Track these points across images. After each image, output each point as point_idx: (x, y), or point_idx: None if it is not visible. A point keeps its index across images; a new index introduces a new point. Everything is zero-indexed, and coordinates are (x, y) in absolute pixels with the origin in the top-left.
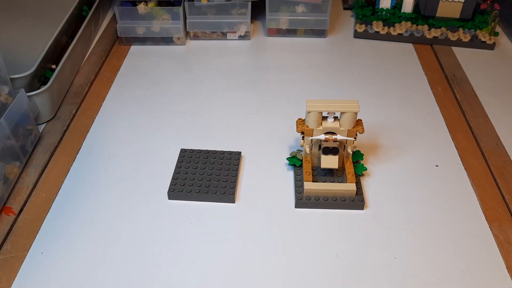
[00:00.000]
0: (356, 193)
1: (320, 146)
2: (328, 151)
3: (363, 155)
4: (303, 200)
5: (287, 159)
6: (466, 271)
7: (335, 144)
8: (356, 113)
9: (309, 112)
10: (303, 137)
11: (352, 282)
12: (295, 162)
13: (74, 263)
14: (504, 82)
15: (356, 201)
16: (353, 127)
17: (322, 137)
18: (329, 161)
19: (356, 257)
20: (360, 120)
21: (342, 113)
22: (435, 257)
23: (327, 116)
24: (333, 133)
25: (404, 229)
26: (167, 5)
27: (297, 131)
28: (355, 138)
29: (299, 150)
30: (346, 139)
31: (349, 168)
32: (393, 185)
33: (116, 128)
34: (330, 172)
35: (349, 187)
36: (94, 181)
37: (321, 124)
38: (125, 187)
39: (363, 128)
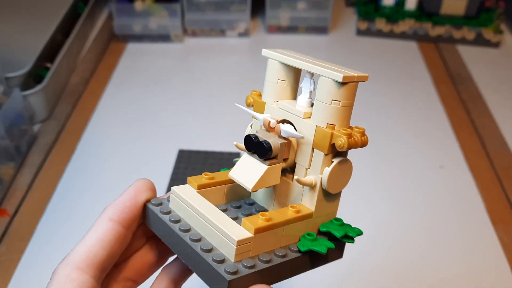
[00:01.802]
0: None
1: None
2: (248, 145)
3: (342, 226)
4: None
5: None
6: (470, 273)
7: (272, 139)
8: (340, 85)
9: (268, 62)
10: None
11: (352, 283)
12: None
13: None
14: (509, 81)
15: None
16: (333, 126)
17: (261, 117)
18: (244, 169)
19: (358, 257)
20: (361, 129)
21: (319, 81)
22: (439, 258)
23: (302, 90)
24: (288, 122)
25: (407, 230)
26: (164, 2)
27: (246, 103)
28: (327, 154)
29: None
30: (296, 141)
31: (288, 211)
32: (396, 186)
33: (112, 128)
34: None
35: (233, 232)
36: (90, 182)
37: (285, 99)
38: (121, 188)
39: (362, 139)
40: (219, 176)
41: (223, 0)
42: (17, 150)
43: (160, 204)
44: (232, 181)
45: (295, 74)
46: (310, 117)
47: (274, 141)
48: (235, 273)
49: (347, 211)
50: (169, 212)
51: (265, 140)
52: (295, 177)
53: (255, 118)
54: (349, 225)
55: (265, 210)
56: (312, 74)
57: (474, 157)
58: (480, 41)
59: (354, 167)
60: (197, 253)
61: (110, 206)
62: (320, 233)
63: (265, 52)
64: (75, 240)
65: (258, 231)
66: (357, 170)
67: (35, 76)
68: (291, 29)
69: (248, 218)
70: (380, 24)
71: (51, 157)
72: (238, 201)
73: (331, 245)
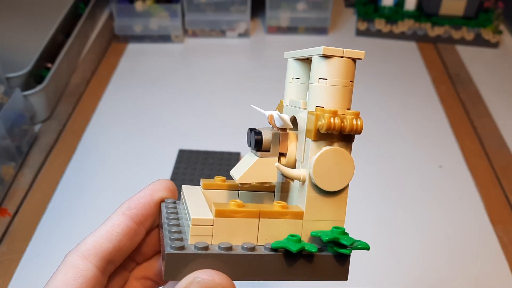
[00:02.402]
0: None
1: None
2: (248, 138)
3: (342, 234)
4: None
5: None
6: (469, 273)
7: (264, 129)
8: (322, 60)
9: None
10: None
11: (350, 282)
12: None
13: None
14: (509, 81)
15: None
16: (321, 109)
17: (266, 114)
18: (241, 164)
19: (356, 257)
20: (355, 112)
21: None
22: (438, 258)
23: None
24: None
25: (406, 230)
26: (165, 3)
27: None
28: (314, 140)
29: None
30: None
31: (273, 206)
32: (395, 186)
33: (113, 128)
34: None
35: (197, 214)
36: (90, 182)
37: (301, 97)
38: (122, 188)
39: (352, 123)
40: (233, 181)
41: (223, 1)
42: (18, 150)
43: (172, 203)
44: (247, 188)
45: (309, 70)
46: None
47: (266, 131)
48: (179, 248)
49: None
50: (173, 208)
51: (258, 130)
52: (276, 164)
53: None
54: (351, 238)
55: None
56: None
57: (473, 157)
58: (479, 41)
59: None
60: (165, 236)
61: (125, 202)
62: (313, 240)
63: (286, 54)
64: (76, 240)
65: (220, 214)
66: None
67: (35, 76)
68: (291, 29)
69: (219, 203)
70: (380, 24)
71: (51, 157)
72: None
73: (312, 248)
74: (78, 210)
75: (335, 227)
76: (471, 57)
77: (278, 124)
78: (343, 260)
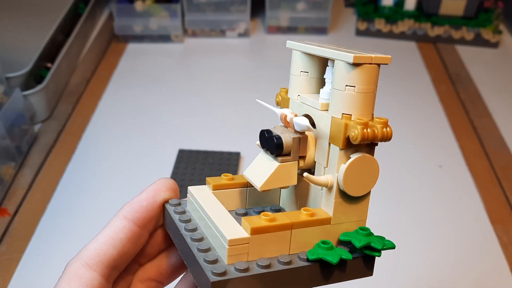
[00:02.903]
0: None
1: None
2: (262, 141)
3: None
4: None
5: None
6: (469, 273)
7: (288, 132)
8: (353, 68)
9: (292, 55)
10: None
11: (352, 283)
12: None
13: None
14: (508, 81)
15: None
16: (349, 117)
17: (278, 112)
18: (256, 167)
19: None
20: (383, 119)
21: (334, 66)
22: (438, 258)
23: (326, 82)
24: (308, 116)
25: (406, 230)
26: (165, 3)
27: (275, 101)
28: (342, 149)
29: None
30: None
31: (300, 213)
32: (395, 186)
33: (113, 128)
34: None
35: (229, 231)
36: (90, 182)
37: (310, 93)
38: (122, 188)
39: (382, 131)
40: (239, 177)
41: (223, 1)
42: (18, 150)
43: (178, 205)
44: (249, 184)
45: (320, 65)
46: (327, 110)
47: (286, 136)
48: (221, 274)
49: None
50: (183, 212)
51: (276, 135)
52: (305, 174)
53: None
54: (379, 236)
55: (279, 209)
56: (333, 62)
57: (473, 156)
58: (479, 41)
59: None
60: (193, 252)
61: (126, 204)
62: (341, 243)
63: (289, 43)
64: (76, 240)
65: (255, 231)
66: None
67: (35, 76)
68: (290, 29)
69: (248, 217)
70: (380, 24)
71: (51, 157)
72: (262, 207)
73: (347, 255)
74: (78, 210)
75: (360, 228)
76: (471, 57)
77: (299, 128)
78: (371, 260)
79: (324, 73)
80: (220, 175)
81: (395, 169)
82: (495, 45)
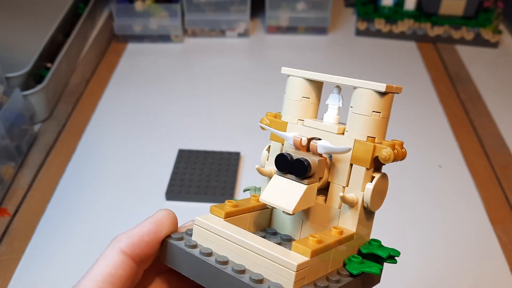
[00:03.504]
0: (315, 283)
1: None
2: (283, 165)
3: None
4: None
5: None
6: (469, 272)
7: (308, 157)
8: (380, 96)
9: (290, 80)
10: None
11: None
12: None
13: (70, 265)
14: (508, 81)
15: None
16: (372, 140)
17: (291, 136)
18: (278, 191)
19: None
20: (399, 142)
21: (353, 92)
22: (438, 258)
23: (328, 108)
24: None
25: (406, 230)
26: (164, 2)
27: (261, 125)
28: (368, 169)
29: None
30: (340, 154)
31: (331, 232)
32: (395, 186)
33: (112, 128)
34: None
35: (288, 257)
36: (90, 182)
37: (309, 117)
38: (122, 188)
39: (402, 152)
40: (242, 203)
41: (223, 1)
42: (18, 150)
43: (181, 239)
44: (254, 209)
45: (318, 91)
46: (343, 133)
47: (311, 158)
48: None
49: None
50: (195, 246)
51: (304, 158)
52: (340, 194)
53: (274, 140)
54: (387, 247)
55: (291, 239)
56: (340, 89)
57: (473, 156)
58: (479, 41)
59: None
60: (248, 285)
61: (124, 236)
62: (361, 255)
63: (285, 70)
64: (76, 240)
65: (314, 253)
66: None
67: (35, 76)
68: (290, 29)
69: (299, 241)
70: (379, 24)
71: (51, 157)
72: (260, 231)
73: (380, 266)
74: (78, 210)
75: (373, 240)
76: (471, 57)
77: (324, 150)
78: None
79: (319, 99)
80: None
81: (395, 169)
82: (495, 45)
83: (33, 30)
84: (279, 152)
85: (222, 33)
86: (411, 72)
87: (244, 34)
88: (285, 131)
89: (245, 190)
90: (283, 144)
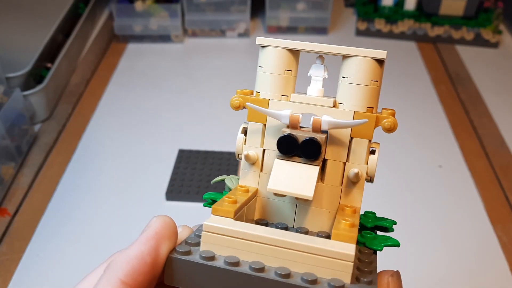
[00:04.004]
0: (358, 268)
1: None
2: (290, 147)
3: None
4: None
5: (207, 196)
6: (469, 273)
7: (313, 135)
8: (378, 64)
9: (268, 51)
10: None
11: None
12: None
13: (70, 265)
14: (508, 81)
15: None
16: (371, 110)
17: (286, 115)
18: (288, 177)
19: None
20: (393, 111)
21: (346, 62)
22: (437, 258)
23: (312, 80)
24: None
25: (406, 230)
26: (165, 3)
27: (233, 106)
28: (370, 140)
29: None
30: (349, 126)
31: (346, 212)
32: (395, 186)
33: (113, 128)
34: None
35: (338, 248)
36: (90, 182)
37: (291, 92)
38: (122, 188)
39: (395, 121)
40: (238, 197)
41: (223, 1)
42: (18, 150)
43: (189, 252)
44: (249, 201)
45: (297, 62)
46: (337, 106)
47: (319, 136)
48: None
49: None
50: (213, 257)
51: (314, 137)
52: (355, 170)
53: (253, 121)
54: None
55: (287, 227)
56: (323, 59)
57: (473, 156)
58: (479, 41)
59: None
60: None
61: (121, 260)
62: (366, 228)
63: (261, 40)
64: (76, 240)
65: (355, 240)
66: None
67: (35, 76)
68: (290, 29)
69: (337, 228)
70: (379, 24)
71: (51, 157)
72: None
73: (395, 240)
74: (78, 210)
75: (367, 212)
76: (471, 57)
77: (328, 127)
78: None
79: (296, 71)
80: (215, 178)
81: (395, 169)
82: (495, 45)
83: (33, 30)
84: (259, 134)
85: (222, 33)
86: (411, 72)
87: (244, 34)
88: (265, 114)
89: (214, 182)
90: (265, 125)
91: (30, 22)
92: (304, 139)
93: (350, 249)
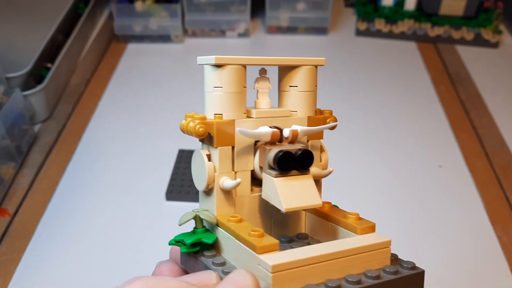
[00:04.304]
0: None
1: (254, 173)
2: (290, 163)
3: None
4: None
5: (175, 238)
6: (469, 273)
7: (302, 147)
8: (316, 69)
9: (228, 70)
10: (208, 154)
11: None
12: (204, 239)
13: (70, 265)
14: (508, 81)
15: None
16: (319, 112)
17: (269, 132)
18: (294, 192)
19: None
20: (328, 110)
21: (293, 72)
22: (437, 258)
23: (259, 93)
24: (278, 128)
25: (406, 230)
26: (165, 3)
27: (198, 134)
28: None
29: (196, 210)
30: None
31: (332, 209)
32: (395, 186)
33: (113, 128)
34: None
35: (374, 239)
36: (90, 182)
37: (245, 107)
38: (122, 188)
39: (336, 119)
40: (252, 227)
41: (223, 1)
42: (18, 150)
43: None
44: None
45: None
46: (291, 115)
47: (303, 147)
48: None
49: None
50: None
51: (306, 149)
52: (331, 169)
53: (223, 146)
54: None
55: (291, 239)
56: (266, 72)
57: (473, 156)
58: (479, 41)
59: (353, 167)
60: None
61: None
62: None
63: (218, 59)
64: (76, 240)
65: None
66: (356, 170)
67: (35, 76)
68: (290, 29)
69: (357, 224)
70: (379, 24)
71: (51, 157)
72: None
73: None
74: (78, 210)
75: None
76: (471, 57)
77: (302, 135)
78: None
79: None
80: (181, 218)
81: (395, 169)
82: (495, 45)
83: (33, 30)
84: (229, 158)
85: (222, 33)
86: (411, 72)
87: (244, 34)
88: (234, 130)
89: (183, 223)
90: (233, 147)
91: (30, 22)
92: (298, 152)
93: (381, 237)
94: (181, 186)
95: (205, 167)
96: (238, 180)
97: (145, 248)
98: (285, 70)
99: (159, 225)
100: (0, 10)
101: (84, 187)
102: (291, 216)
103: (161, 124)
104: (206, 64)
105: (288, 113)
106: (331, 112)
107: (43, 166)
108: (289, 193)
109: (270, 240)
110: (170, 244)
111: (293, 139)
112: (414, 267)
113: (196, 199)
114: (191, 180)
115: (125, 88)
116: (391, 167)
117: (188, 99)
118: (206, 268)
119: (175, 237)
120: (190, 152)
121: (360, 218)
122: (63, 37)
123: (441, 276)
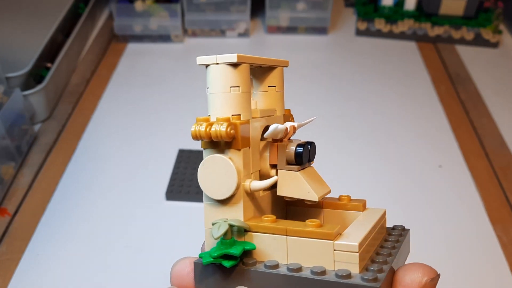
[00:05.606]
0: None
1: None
2: (307, 154)
3: None
4: None
5: (207, 256)
6: (469, 273)
7: (303, 141)
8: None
9: (233, 65)
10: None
11: None
12: (232, 250)
13: (70, 265)
14: (508, 81)
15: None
16: (287, 111)
17: (283, 129)
18: (314, 183)
19: None
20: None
21: (271, 73)
22: (437, 258)
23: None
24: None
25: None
26: (165, 2)
27: (229, 136)
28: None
29: (223, 219)
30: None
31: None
32: (395, 186)
33: (113, 128)
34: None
35: (378, 211)
36: (90, 182)
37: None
38: (122, 188)
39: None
40: (275, 219)
41: (223, 0)
42: (18, 150)
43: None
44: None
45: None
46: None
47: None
48: None
49: None
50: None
51: (312, 141)
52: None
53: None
54: None
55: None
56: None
57: (473, 156)
58: (479, 41)
59: (353, 167)
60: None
61: None
62: None
63: (232, 57)
64: (76, 240)
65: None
66: (356, 170)
67: (35, 76)
68: (290, 29)
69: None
70: (379, 24)
71: (51, 157)
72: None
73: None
74: (78, 210)
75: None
76: (471, 57)
77: (297, 129)
78: None
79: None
80: (215, 232)
81: (395, 169)
82: (495, 45)
83: (33, 30)
84: (250, 159)
85: (222, 33)
86: (411, 72)
87: (244, 34)
88: (249, 132)
89: (219, 236)
90: (249, 147)
91: (30, 22)
92: (309, 145)
93: (379, 209)
94: (181, 186)
95: (234, 173)
96: (275, 177)
97: (145, 248)
98: (266, 70)
99: (159, 225)
100: (0, 10)
101: (84, 187)
102: (308, 210)
103: (161, 124)
104: (222, 64)
105: (274, 112)
106: (289, 111)
107: (43, 166)
108: (312, 185)
109: (333, 227)
110: (205, 263)
111: (292, 133)
112: (403, 229)
113: (196, 199)
114: (191, 180)
115: (125, 88)
116: (391, 167)
117: (188, 99)
118: (258, 276)
119: (200, 254)
120: (190, 152)
121: (352, 199)
122: (63, 37)
123: (441, 276)
